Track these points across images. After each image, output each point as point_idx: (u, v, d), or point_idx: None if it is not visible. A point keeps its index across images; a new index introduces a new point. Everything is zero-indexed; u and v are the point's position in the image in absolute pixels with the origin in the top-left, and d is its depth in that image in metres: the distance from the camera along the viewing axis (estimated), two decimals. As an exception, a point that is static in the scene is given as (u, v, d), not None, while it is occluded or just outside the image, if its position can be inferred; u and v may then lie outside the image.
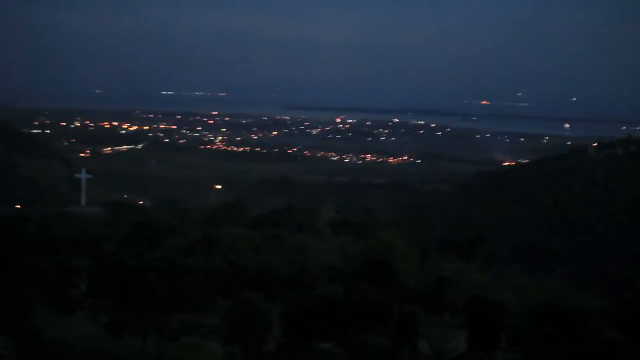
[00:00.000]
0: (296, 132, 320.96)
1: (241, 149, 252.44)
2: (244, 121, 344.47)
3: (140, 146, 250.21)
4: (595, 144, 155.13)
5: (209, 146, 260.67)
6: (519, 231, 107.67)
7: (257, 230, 44.10)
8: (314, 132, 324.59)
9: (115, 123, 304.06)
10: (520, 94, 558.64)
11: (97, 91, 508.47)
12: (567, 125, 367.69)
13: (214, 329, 19.62)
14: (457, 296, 30.77)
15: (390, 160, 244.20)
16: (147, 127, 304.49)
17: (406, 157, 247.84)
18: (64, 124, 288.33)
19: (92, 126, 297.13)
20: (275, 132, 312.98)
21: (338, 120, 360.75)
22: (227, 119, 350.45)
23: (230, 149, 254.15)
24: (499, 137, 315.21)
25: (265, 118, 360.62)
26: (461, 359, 20.54)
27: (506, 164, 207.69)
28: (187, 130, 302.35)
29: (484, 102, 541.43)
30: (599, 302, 33.86)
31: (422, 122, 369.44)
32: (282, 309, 19.55)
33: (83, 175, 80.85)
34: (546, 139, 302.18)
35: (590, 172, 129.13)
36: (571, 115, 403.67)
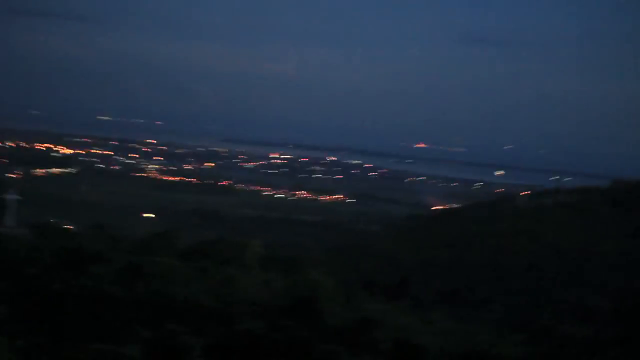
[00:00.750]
0: (231, 164, 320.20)
1: (174, 179, 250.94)
2: (179, 151, 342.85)
3: (73, 170, 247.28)
4: (525, 192, 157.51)
5: (143, 174, 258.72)
6: (446, 275, 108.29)
7: (185, 262, 43.92)
8: (249, 165, 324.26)
9: (50, 145, 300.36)
10: (456, 139, 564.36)
11: (33, 112, 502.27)
12: (499, 173, 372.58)
13: (132, 360, 19.45)
14: (381, 338, 30.93)
15: (323, 198, 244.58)
16: (82, 151, 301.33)
17: (339, 196, 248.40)
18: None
19: (25, 147, 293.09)
20: (211, 164, 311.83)
21: (274, 155, 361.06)
22: (164, 147, 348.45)
23: (163, 178, 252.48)
24: (432, 181, 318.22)
25: (202, 149, 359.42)
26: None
27: (438, 207, 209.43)
28: (121, 156, 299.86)
29: (421, 144, 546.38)
30: (520, 351, 34.32)
31: (358, 161, 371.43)
32: (205, 342, 19.51)
33: (11, 197, 79.81)
34: (478, 185, 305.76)
35: (518, 220, 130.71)
36: (504, 163, 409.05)
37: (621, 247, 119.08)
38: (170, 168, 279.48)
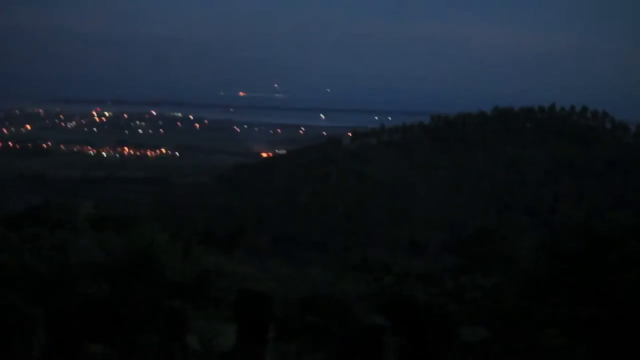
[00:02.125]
0: (50, 125, 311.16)
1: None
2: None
3: None
4: (350, 133, 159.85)
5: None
6: (280, 221, 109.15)
7: (12, 229, 42.35)
8: (70, 125, 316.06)
9: None
10: (276, 86, 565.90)
11: None
12: (322, 116, 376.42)
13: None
14: (223, 289, 30.76)
15: (149, 153, 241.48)
16: None
17: (164, 150, 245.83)
18: None
19: None
20: (29, 126, 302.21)
21: (94, 113, 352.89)
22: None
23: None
24: (256, 129, 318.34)
25: (17, 112, 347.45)
26: (231, 352, 20.51)
27: (264, 155, 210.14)
28: None
29: (241, 93, 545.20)
30: (362, 289, 34.84)
31: (179, 114, 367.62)
32: (47, 311, 18.82)
33: None
34: (302, 130, 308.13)
35: (345, 161, 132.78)
36: (326, 106, 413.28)
37: (444, 182, 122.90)
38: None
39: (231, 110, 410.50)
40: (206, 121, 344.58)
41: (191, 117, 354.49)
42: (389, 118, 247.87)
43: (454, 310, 26.21)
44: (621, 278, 25.00)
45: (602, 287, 25.28)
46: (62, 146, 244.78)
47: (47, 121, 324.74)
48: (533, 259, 34.69)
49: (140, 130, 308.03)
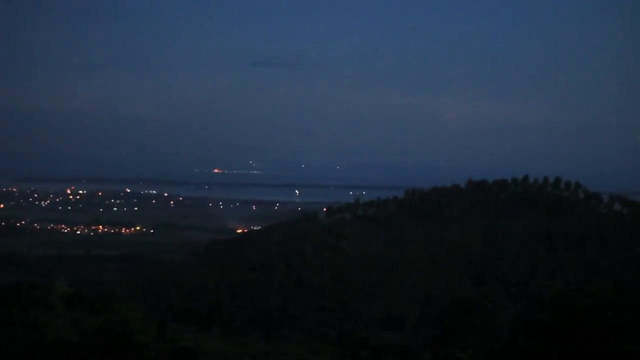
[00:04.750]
0: (24, 204, 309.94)
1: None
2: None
3: None
4: (325, 209, 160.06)
5: None
6: (256, 297, 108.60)
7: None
8: (44, 204, 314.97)
9: None
10: (251, 162, 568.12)
11: None
12: (297, 192, 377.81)
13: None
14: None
15: (124, 231, 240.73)
16: None
17: (139, 228, 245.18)
18: None
19: None
20: (2, 205, 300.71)
21: (68, 191, 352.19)
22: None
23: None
24: (231, 205, 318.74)
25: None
26: None
27: (240, 231, 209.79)
28: None
29: (216, 170, 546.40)
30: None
31: (154, 191, 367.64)
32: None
33: None
34: (277, 206, 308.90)
35: (321, 236, 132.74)
36: (301, 182, 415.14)
37: (420, 255, 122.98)
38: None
39: (206, 187, 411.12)
40: (181, 198, 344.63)
41: (166, 194, 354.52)
42: (364, 192, 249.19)
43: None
44: (600, 350, 24.97)
45: (581, 359, 25.22)
46: (36, 225, 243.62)
47: (21, 200, 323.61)
48: (510, 330, 34.63)
49: (115, 208, 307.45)
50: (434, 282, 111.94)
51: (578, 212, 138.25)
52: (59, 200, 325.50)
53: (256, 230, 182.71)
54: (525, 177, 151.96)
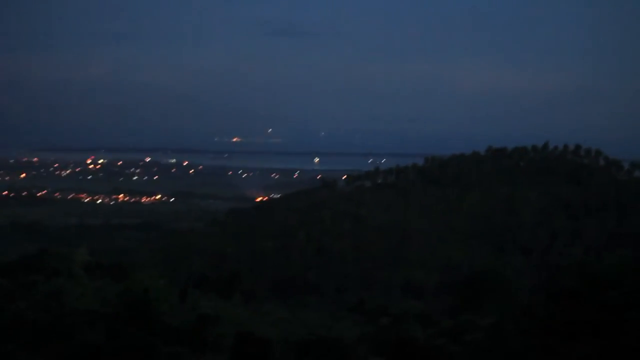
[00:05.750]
0: (45, 174, 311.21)
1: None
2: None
3: None
4: (345, 176, 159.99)
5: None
6: (276, 265, 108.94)
7: (8, 278, 42.20)
8: (64, 173, 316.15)
9: None
10: (270, 130, 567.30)
11: None
12: (316, 160, 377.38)
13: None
14: (220, 334, 30.60)
15: (144, 200, 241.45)
16: None
17: (159, 197, 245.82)
18: None
19: None
20: (24, 175, 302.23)
21: (89, 160, 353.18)
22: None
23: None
24: (251, 173, 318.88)
25: (12, 160, 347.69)
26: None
27: (259, 199, 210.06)
28: None
29: (235, 139, 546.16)
30: (359, 331, 34.69)
31: (174, 160, 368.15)
32: (44, 358, 18.71)
33: None
34: (297, 174, 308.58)
35: (340, 204, 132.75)
36: (321, 150, 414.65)
37: (440, 223, 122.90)
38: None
39: (225, 156, 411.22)
40: (200, 167, 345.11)
41: (185, 163, 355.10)
42: (383, 160, 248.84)
43: (453, 350, 26.08)
44: (622, 317, 24.90)
45: (603, 326, 25.17)
46: (57, 194, 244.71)
47: (42, 170, 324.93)
48: (530, 298, 34.58)
49: (134, 177, 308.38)
50: (453, 249, 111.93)
51: (598, 180, 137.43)
52: (79, 169, 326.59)
53: (276, 198, 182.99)
54: (545, 144, 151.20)
